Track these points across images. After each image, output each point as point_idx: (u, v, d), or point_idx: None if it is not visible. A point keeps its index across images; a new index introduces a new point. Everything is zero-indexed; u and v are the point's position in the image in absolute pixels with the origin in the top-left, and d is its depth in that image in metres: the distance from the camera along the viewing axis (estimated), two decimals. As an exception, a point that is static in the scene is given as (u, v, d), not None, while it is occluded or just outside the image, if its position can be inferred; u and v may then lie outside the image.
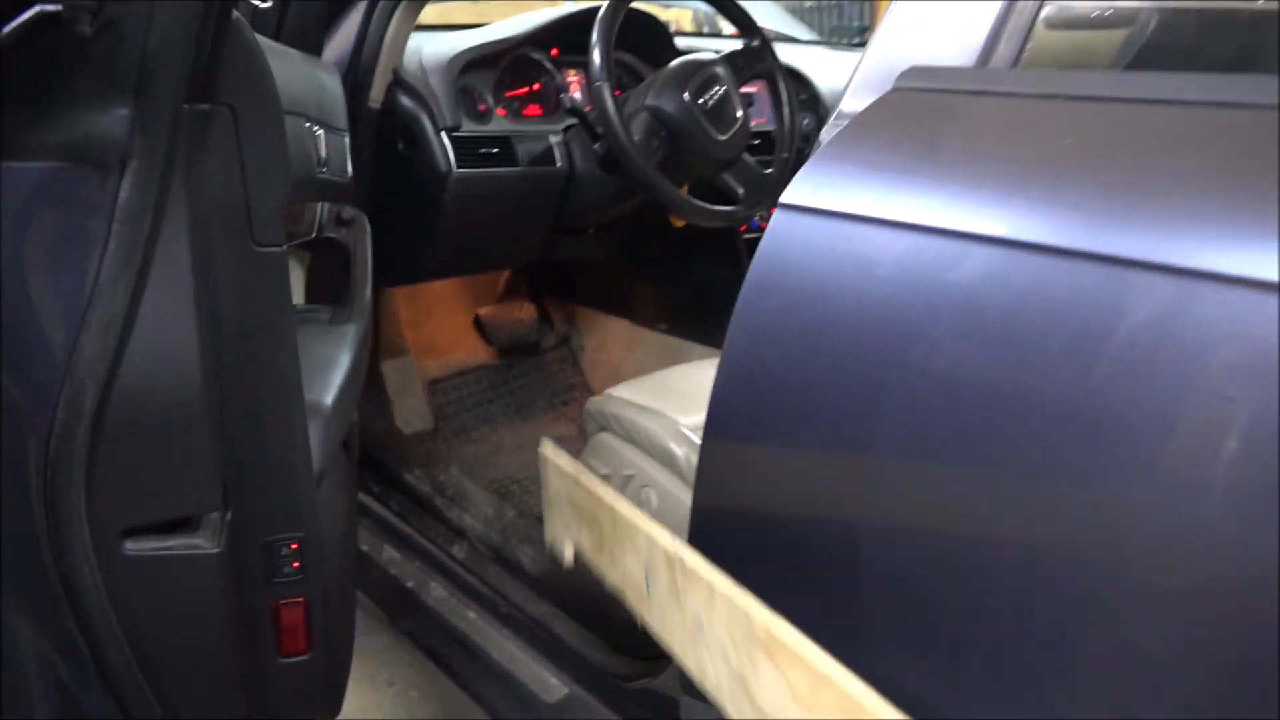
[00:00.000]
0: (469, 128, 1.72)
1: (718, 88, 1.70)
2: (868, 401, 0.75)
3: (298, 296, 1.40)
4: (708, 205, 1.66)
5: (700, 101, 1.67)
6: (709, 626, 0.77)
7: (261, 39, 1.21)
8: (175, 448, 0.73)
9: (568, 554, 1.16)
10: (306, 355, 1.08)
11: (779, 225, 0.83)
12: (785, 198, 0.82)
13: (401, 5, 1.64)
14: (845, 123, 0.88)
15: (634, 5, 1.81)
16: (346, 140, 1.47)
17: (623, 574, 0.97)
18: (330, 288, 1.39)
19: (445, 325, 2.39)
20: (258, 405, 0.79)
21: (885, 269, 0.76)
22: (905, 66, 0.86)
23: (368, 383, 1.96)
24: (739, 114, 1.73)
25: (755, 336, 0.87)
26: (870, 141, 0.82)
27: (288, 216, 1.24)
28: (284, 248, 0.78)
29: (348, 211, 1.40)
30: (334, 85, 1.49)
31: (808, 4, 6.52)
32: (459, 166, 1.67)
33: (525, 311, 2.44)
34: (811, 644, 0.66)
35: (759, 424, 0.87)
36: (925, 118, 0.82)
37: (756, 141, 2.04)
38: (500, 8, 2.20)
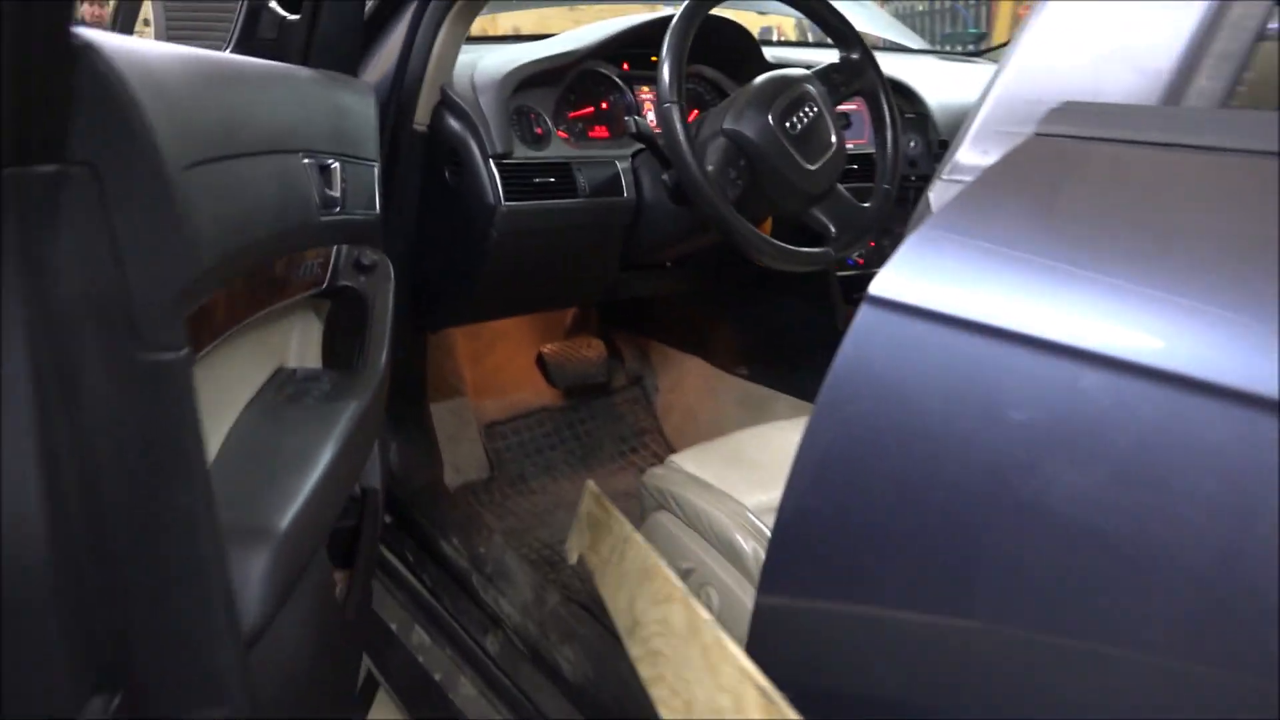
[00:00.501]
0: (523, 154, 1.51)
1: (808, 108, 1.46)
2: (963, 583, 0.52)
3: (313, 358, 1.21)
4: (792, 247, 1.42)
5: (787, 125, 1.43)
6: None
7: (245, 60, 1.03)
8: (17, 633, 0.53)
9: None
10: (271, 451, 0.88)
11: (865, 327, 0.59)
12: (876, 288, 0.59)
13: (452, 14, 1.45)
14: (962, 181, 0.63)
15: (718, 11, 1.58)
16: (376, 171, 1.28)
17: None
18: (347, 346, 1.20)
19: (507, 363, 2.19)
20: (154, 557, 0.59)
21: (1014, 406, 0.52)
22: (1053, 100, 0.61)
23: (412, 431, 1.78)
24: (833, 139, 1.49)
25: (827, 469, 0.64)
26: (999, 212, 0.57)
27: (286, 263, 1.05)
28: (185, 351, 0.58)
29: (369, 255, 1.21)
30: (363, 108, 1.30)
31: (919, 7, 6.17)
32: (508, 199, 1.47)
33: (593, 349, 2.23)
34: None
35: (825, 570, 0.65)
36: (1083, 180, 0.57)
37: (854, 167, 1.79)
38: (578, 13, 1.99)
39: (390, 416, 1.72)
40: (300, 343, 1.18)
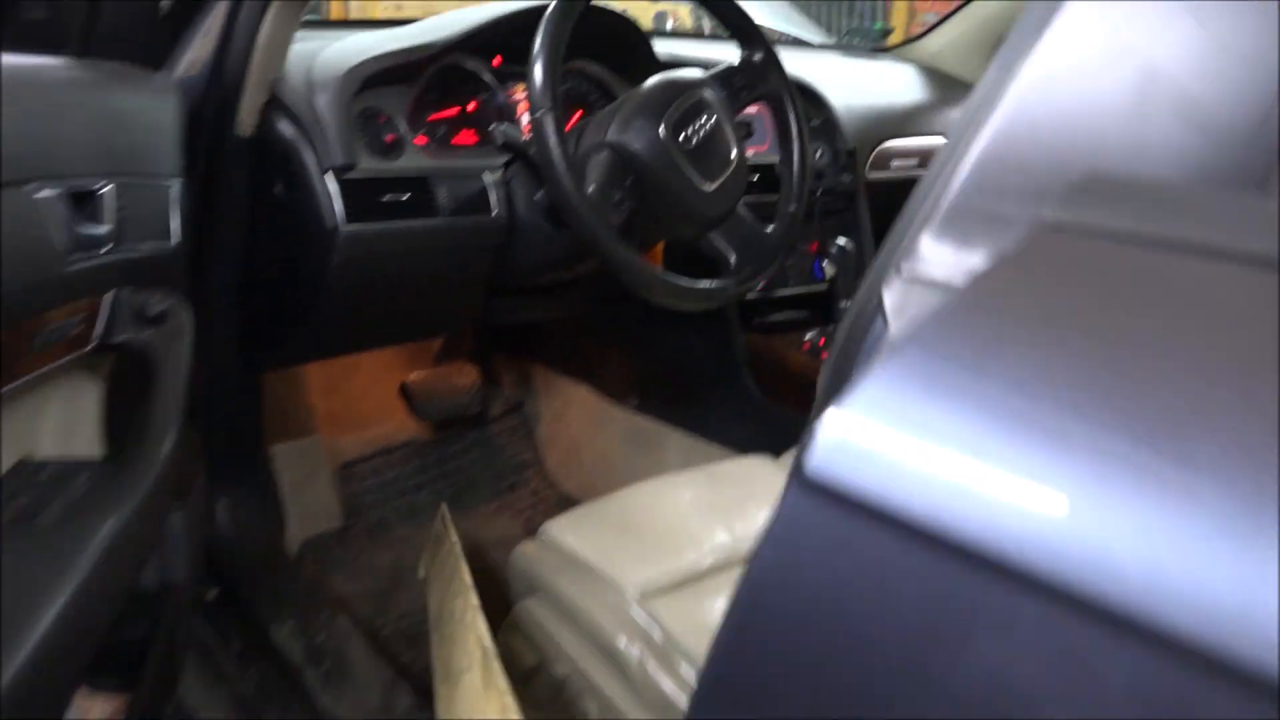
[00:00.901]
0: (369, 166, 1.26)
1: (705, 118, 1.25)
2: None
3: (86, 436, 0.95)
4: (685, 282, 1.22)
5: (681, 138, 1.22)
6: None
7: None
8: None
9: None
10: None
11: (797, 522, 0.38)
12: (815, 462, 0.38)
13: (276, -3, 1.19)
14: (931, 285, 0.43)
15: (599, 1, 1.37)
16: (174, 191, 1.02)
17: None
18: (123, 423, 0.94)
19: (365, 392, 1.94)
20: None
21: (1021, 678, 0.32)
22: (1071, 167, 0.42)
23: (245, 486, 1.51)
24: (733, 154, 1.29)
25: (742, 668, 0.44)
26: (1007, 355, 0.37)
27: (15, 333, 0.80)
28: None
29: (156, 302, 0.95)
30: (157, 112, 1.04)
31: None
32: (350, 220, 1.22)
33: (466, 375, 1.99)
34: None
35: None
36: (1140, 309, 0.37)
37: (754, 178, 1.60)
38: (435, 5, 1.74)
39: (219, 470, 1.46)
40: (62, 421, 0.92)
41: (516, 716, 0.91)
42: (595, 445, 1.94)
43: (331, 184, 1.21)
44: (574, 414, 2.01)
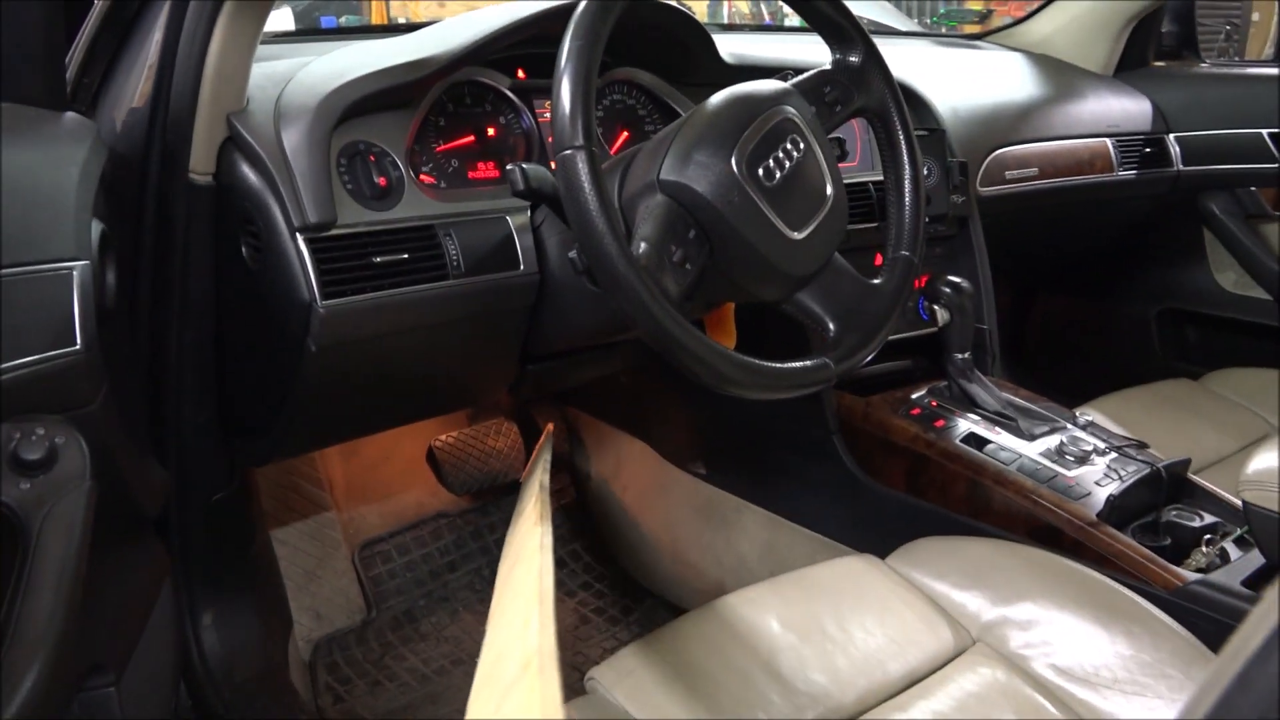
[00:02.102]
0: (354, 219, 0.98)
1: (791, 145, 0.95)
2: None
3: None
4: (773, 366, 0.91)
5: (760, 173, 0.92)
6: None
7: None
8: None
9: None
10: None
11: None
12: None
13: (228, 6, 0.91)
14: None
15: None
16: (77, 278, 0.76)
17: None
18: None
19: (389, 454, 1.67)
20: None
21: None
22: None
23: (235, 596, 1.25)
24: (828, 190, 0.98)
25: None
26: None
27: None
28: None
29: (32, 444, 0.68)
30: (54, 169, 0.78)
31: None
32: (328, 294, 0.94)
33: (504, 436, 1.71)
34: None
35: None
36: None
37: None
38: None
39: (201, 579, 1.20)
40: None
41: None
42: (656, 515, 1.65)
43: (303, 248, 0.93)
44: (630, 475, 1.71)
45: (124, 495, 0.90)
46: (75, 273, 0.76)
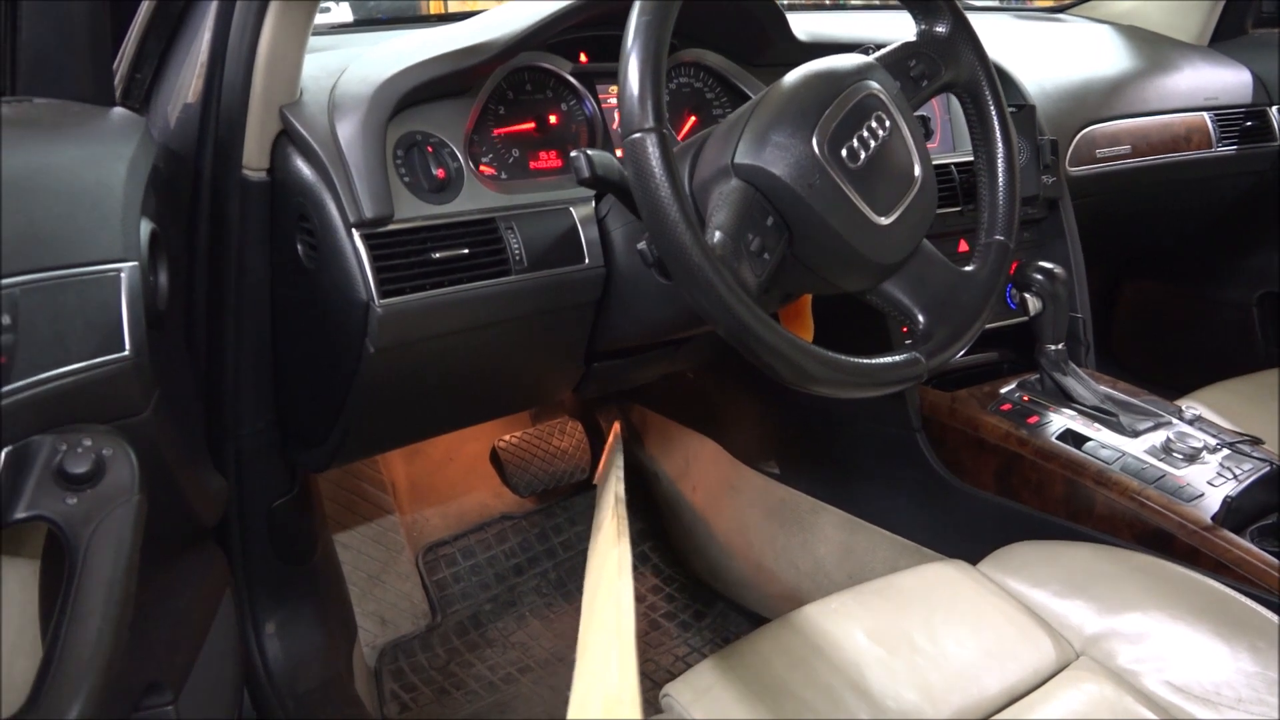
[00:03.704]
0: (412, 213, 0.94)
1: (875, 123, 0.88)
2: None
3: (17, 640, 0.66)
4: (860, 363, 0.84)
5: (844, 154, 0.85)
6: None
7: None
8: None
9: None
10: None
11: None
12: None
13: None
14: None
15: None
16: (125, 279, 0.72)
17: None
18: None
19: (452, 455, 1.63)
20: None
21: None
22: None
23: (298, 603, 1.22)
24: (916, 170, 0.91)
25: None
26: None
27: None
28: None
29: (79, 456, 0.65)
30: (98, 169, 0.74)
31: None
32: (386, 291, 0.90)
33: (569, 435, 1.66)
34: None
35: None
36: None
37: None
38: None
39: (263, 587, 1.17)
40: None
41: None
42: (728, 516, 1.59)
43: (359, 244, 0.89)
44: (700, 475, 1.65)
45: (180, 506, 0.87)
46: (124, 274, 0.72)
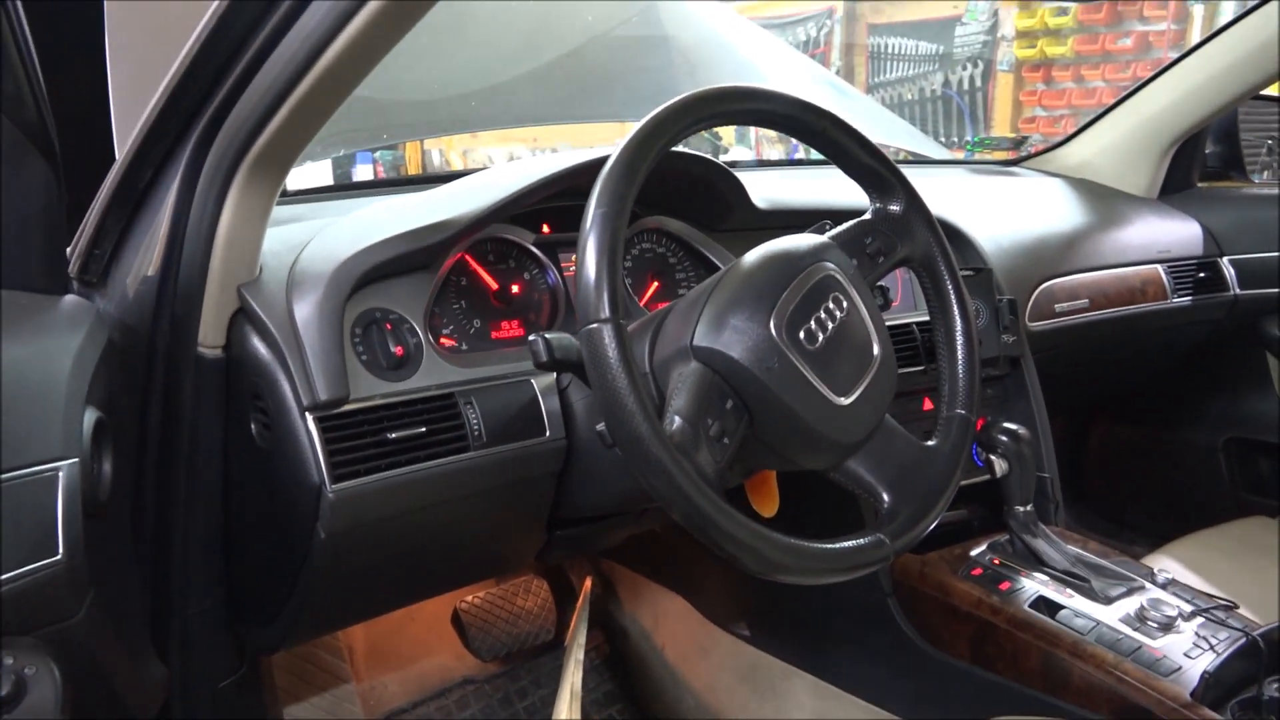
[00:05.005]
0: (368, 392, 0.93)
1: (833, 303, 0.88)
2: None
3: None
4: (821, 547, 0.83)
5: (801, 336, 0.85)
6: None
7: None
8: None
9: None
10: None
11: None
12: None
13: (242, 175, 0.87)
14: None
15: (680, 149, 1.04)
16: (63, 479, 0.70)
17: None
18: None
19: (413, 615, 1.58)
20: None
21: None
22: None
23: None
24: (875, 349, 0.91)
25: None
26: None
27: None
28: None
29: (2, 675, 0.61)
30: (44, 363, 0.73)
31: (906, 95, 5.73)
32: (338, 476, 0.88)
33: (534, 594, 1.61)
34: None
35: None
36: None
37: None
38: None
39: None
40: None
41: None
42: (699, 677, 1.54)
43: (312, 427, 0.87)
44: (668, 633, 1.60)
45: (113, 704, 0.82)
46: (61, 473, 0.70)
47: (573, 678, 1.05)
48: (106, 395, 0.82)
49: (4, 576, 0.64)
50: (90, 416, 0.75)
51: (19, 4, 0.82)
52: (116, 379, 0.88)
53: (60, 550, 0.68)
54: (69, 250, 0.97)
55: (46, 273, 0.82)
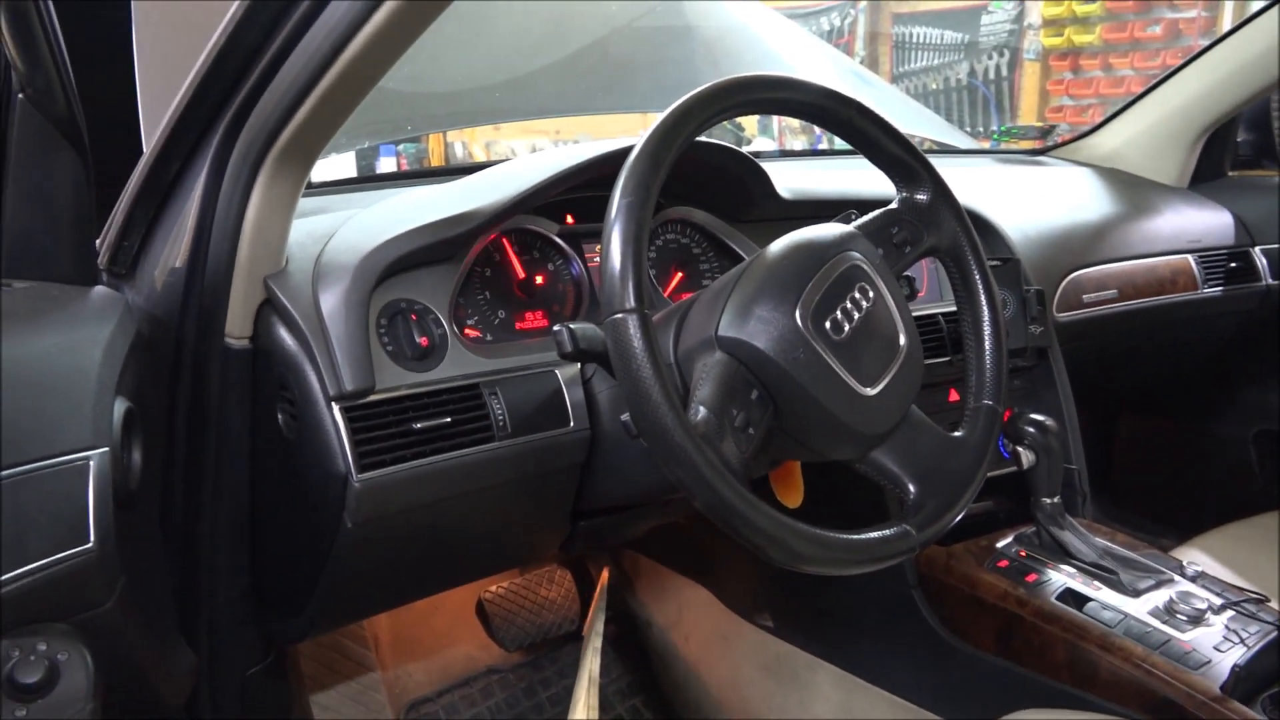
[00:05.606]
0: (394, 382, 0.93)
1: (859, 293, 0.88)
2: None
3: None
4: (848, 538, 0.82)
5: (827, 326, 0.85)
6: None
7: None
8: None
9: None
10: None
11: None
12: None
13: (268, 167, 0.88)
14: None
15: (704, 139, 1.03)
16: (94, 468, 0.70)
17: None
18: None
19: (437, 605, 1.59)
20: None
21: None
22: None
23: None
24: (901, 340, 0.90)
25: None
26: None
27: None
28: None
29: (31, 664, 0.62)
30: (73, 355, 0.74)
31: (931, 85, 5.68)
32: (364, 465, 0.88)
33: (557, 585, 1.62)
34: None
35: None
36: None
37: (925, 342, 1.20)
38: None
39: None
40: None
41: None
42: (722, 669, 1.54)
43: (338, 417, 0.88)
44: (693, 624, 1.61)
45: (144, 691, 0.83)
46: (92, 462, 0.71)
47: (591, 665, 1.06)
48: (136, 386, 0.83)
49: (36, 565, 0.64)
50: (120, 406, 0.76)
51: (50, 1, 0.82)
52: (145, 370, 0.89)
53: (92, 538, 0.69)
54: (98, 242, 0.98)
55: (76, 264, 0.83)
